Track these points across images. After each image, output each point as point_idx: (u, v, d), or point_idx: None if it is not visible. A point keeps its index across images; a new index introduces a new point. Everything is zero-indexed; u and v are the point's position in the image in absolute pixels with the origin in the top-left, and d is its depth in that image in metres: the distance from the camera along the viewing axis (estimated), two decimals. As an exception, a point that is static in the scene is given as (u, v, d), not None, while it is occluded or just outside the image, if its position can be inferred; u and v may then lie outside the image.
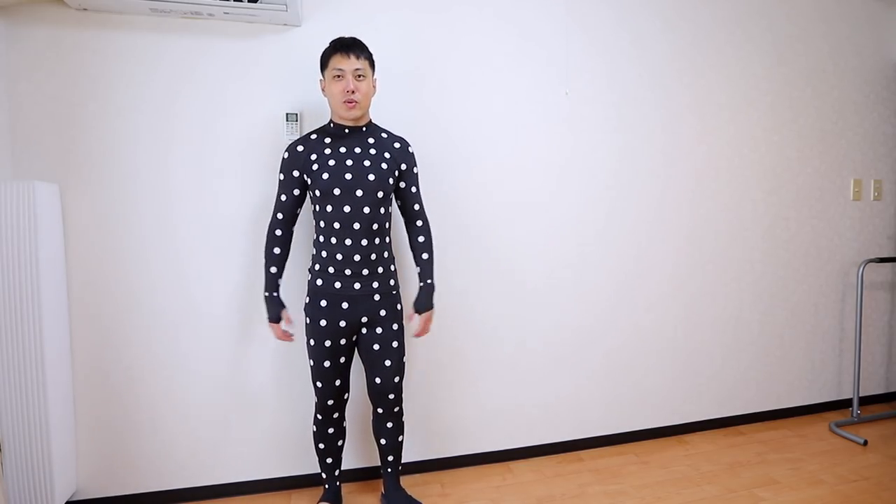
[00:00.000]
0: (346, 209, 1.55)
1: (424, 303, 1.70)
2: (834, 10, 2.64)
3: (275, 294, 1.65)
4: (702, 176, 2.45)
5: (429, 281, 1.70)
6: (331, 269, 1.59)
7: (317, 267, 1.62)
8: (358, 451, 2.06)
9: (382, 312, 1.64)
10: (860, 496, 1.92)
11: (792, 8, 2.55)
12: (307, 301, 1.64)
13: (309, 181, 1.59)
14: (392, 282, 1.67)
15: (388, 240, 1.66)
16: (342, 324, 1.60)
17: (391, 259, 1.68)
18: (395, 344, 1.66)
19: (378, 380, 1.66)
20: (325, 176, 1.55)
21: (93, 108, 1.77)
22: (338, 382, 1.65)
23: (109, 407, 1.85)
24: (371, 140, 1.63)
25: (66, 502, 1.78)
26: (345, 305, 1.60)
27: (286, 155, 1.62)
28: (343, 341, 1.62)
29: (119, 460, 1.86)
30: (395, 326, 1.67)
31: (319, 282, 1.60)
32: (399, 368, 1.68)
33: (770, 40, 2.52)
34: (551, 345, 2.26)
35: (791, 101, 2.58)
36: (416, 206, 1.72)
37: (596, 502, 1.91)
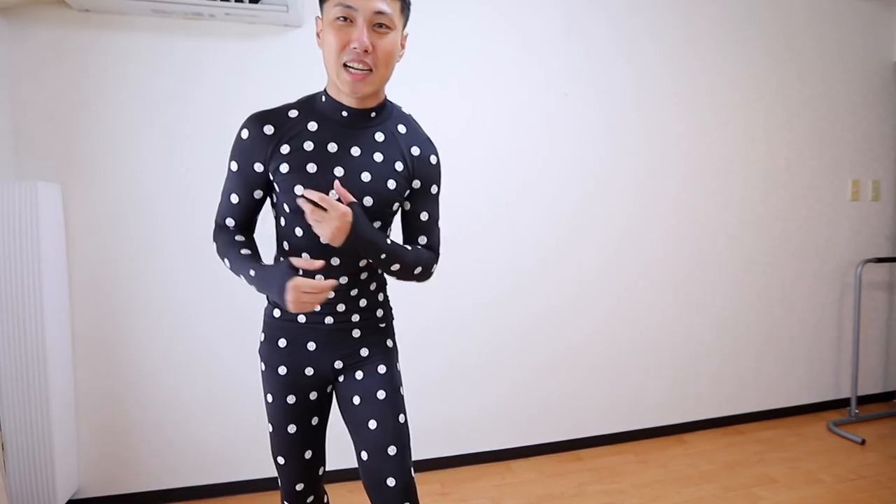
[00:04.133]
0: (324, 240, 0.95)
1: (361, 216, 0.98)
2: (832, 12, 2.65)
3: (262, 263, 1.01)
4: (700, 177, 2.46)
5: (389, 241, 1.02)
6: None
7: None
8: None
9: (364, 352, 1.10)
10: (858, 495, 1.93)
11: (788, 9, 2.56)
12: (262, 339, 1.11)
13: (275, 184, 1.01)
14: (380, 312, 1.13)
15: (379, 271, 1.11)
16: (308, 371, 1.07)
17: (380, 285, 1.15)
18: (381, 394, 1.07)
19: (364, 455, 1.06)
20: (299, 190, 0.97)
21: (95, 109, 1.78)
22: (308, 454, 1.10)
23: (111, 406, 1.85)
24: (380, 136, 1.03)
25: (67, 501, 1.79)
26: (311, 346, 1.07)
27: (244, 134, 0.99)
28: (314, 395, 1.09)
29: (120, 459, 1.87)
30: (381, 369, 1.09)
31: (277, 312, 1.08)
32: (395, 433, 1.06)
33: (767, 42, 2.53)
34: (551, 344, 2.27)
35: (789, 102, 2.60)
36: (424, 239, 1.12)
37: (595, 501, 1.91)
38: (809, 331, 2.71)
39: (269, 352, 1.09)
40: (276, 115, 1.01)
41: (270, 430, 1.10)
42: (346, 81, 0.96)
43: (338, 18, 0.93)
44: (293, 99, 1.05)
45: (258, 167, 1.00)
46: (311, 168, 0.98)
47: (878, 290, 2.84)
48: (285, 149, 0.99)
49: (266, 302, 1.13)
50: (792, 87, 2.59)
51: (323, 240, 0.93)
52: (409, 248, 1.07)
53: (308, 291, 0.91)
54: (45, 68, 1.73)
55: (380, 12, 0.92)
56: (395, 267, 1.02)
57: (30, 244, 1.62)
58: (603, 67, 2.28)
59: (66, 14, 1.74)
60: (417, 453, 2.13)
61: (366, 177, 1.01)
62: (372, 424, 1.05)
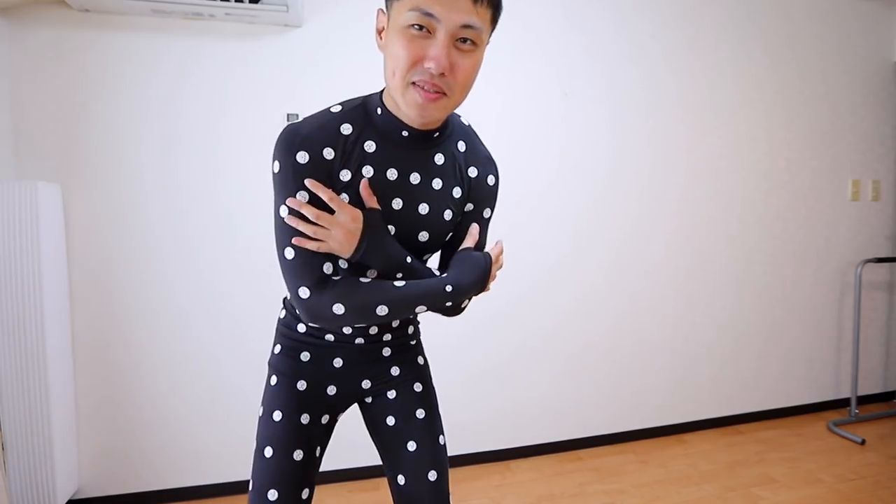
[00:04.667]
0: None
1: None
2: (832, 12, 2.65)
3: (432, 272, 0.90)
4: (700, 176, 2.46)
5: (410, 259, 0.89)
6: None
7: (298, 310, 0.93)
8: (357, 449, 2.06)
9: (395, 371, 1.02)
10: (858, 495, 1.93)
11: (789, 9, 2.56)
12: (277, 350, 0.99)
13: None
14: (410, 329, 1.06)
15: None
16: (331, 390, 0.97)
17: None
18: (420, 413, 0.99)
19: (402, 479, 0.97)
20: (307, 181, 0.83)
21: (94, 109, 1.78)
22: (305, 494, 0.94)
23: (111, 406, 1.85)
24: (440, 159, 0.89)
25: (67, 501, 1.79)
26: (337, 363, 0.97)
27: (302, 157, 0.78)
28: (325, 419, 0.98)
29: (120, 459, 1.87)
30: (417, 387, 1.02)
31: (302, 327, 0.97)
32: (435, 457, 0.98)
33: (768, 41, 2.53)
34: (551, 344, 2.27)
35: (789, 102, 2.60)
36: None
37: (595, 501, 1.92)
38: (809, 331, 2.71)
39: (287, 364, 0.96)
40: (329, 133, 0.81)
41: (269, 454, 0.91)
42: (413, 103, 0.76)
43: (412, 26, 0.72)
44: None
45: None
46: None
47: (878, 290, 2.84)
48: (345, 175, 0.81)
49: (284, 312, 1.01)
50: (792, 87, 2.59)
51: (326, 248, 0.80)
52: (437, 272, 0.90)
53: (497, 269, 0.93)
54: (45, 68, 1.73)
55: (467, 25, 0.72)
56: (423, 291, 0.86)
57: (30, 244, 1.62)
58: (603, 67, 2.28)
59: (66, 14, 1.74)
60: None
61: (423, 209, 0.87)
62: (411, 446, 0.97)
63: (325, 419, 0.98)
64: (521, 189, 2.19)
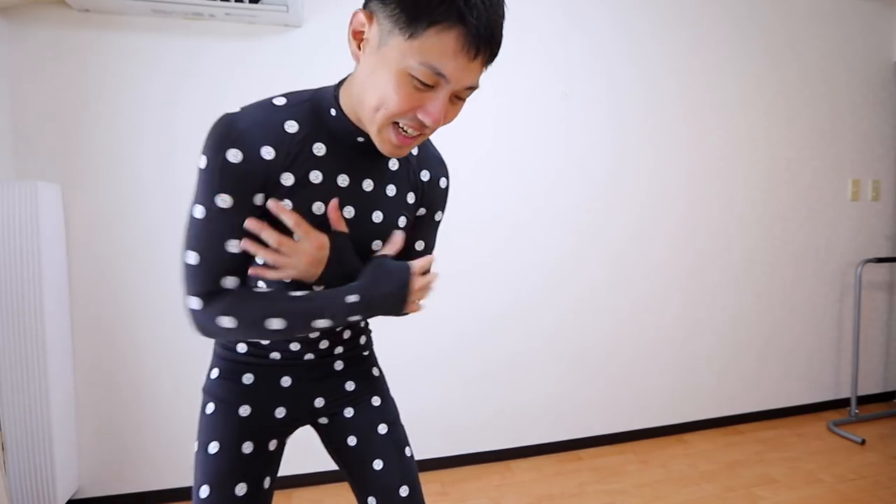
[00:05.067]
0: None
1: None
2: (831, 11, 2.65)
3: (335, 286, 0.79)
4: (700, 176, 2.46)
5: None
6: (264, 340, 0.88)
7: None
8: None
9: (349, 386, 0.95)
10: (858, 495, 1.93)
11: (789, 9, 2.56)
12: (214, 375, 0.90)
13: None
14: (362, 339, 0.99)
15: None
16: (279, 412, 0.89)
17: None
18: (381, 429, 0.93)
19: (373, 501, 0.90)
20: (271, 204, 0.76)
21: (94, 109, 1.78)
22: None
23: (111, 406, 1.85)
24: (394, 164, 0.84)
25: (68, 501, 1.79)
26: (285, 381, 0.89)
27: (234, 156, 0.70)
28: (272, 444, 0.89)
29: (121, 459, 1.87)
30: (375, 401, 0.96)
31: (242, 346, 0.88)
32: (404, 471, 0.92)
33: (768, 41, 2.53)
34: (552, 344, 2.27)
35: (789, 102, 2.60)
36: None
37: (595, 501, 1.92)
38: (810, 331, 2.71)
39: (226, 388, 0.87)
40: (271, 130, 0.72)
41: (204, 494, 0.82)
42: (388, 142, 0.71)
43: (415, 77, 0.65)
44: (275, 96, 0.77)
45: (259, 199, 0.73)
46: (318, 209, 0.76)
47: (879, 290, 2.84)
48: (288, 179, 0.73)
49: None
50: (792, 87, 2.59)
51: (285, 275, 0.74)
52: None
53: (423, 285, 0.80)
54: (45, 68, 1.73)
55: (471, 87, 0.69)
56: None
57: (30, 244, 1.62)
58: (603, 67, 2.28)
59: (66, 14, 1.73)
60: (418, 453, 2.13)
61: (377, 216, 0.82)
62: (377, 465, 0.90)
63: (272, 445, 0.89)
64: (520, 190, 2.19)
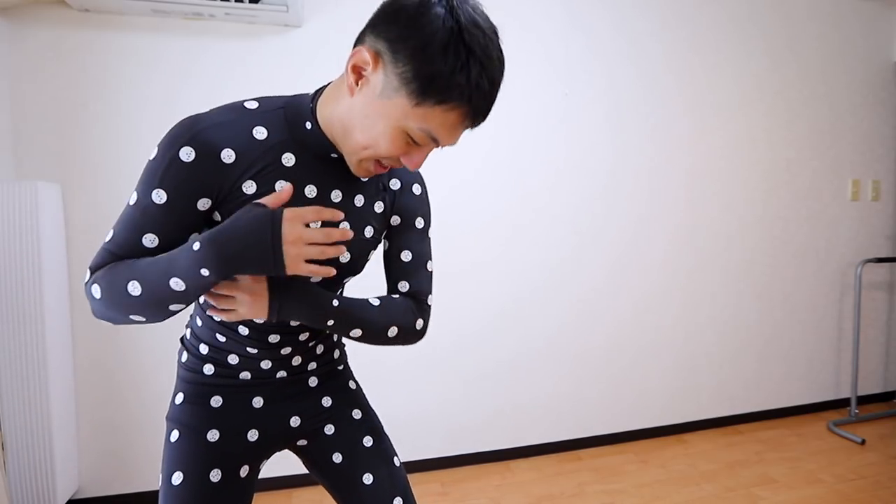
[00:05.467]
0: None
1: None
2: (831, 12, 2.65)
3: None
4: (700, 176, 2.46)
5: (333, 301, 0.77)
6: (232, 359, 0.84)
7: (202, 347, 0.85)
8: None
9: (326, 402, 0.92)
10: (858, 495, 1.93)
11: (789, 9, 2.56)
12: (178, 400, 0.84)
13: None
14: (336, 353, 0.96)
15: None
16: (252, 435, 0.85)
17: None
18: (367, 442, 0.91)
19: None
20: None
21: (94, 109, 1.78)
22: None
23: (111, 406, 1.85)
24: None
25: (68, 500, 1.79)
26: (257, 402, 0.86)
27: (186, 154, 0.67)
28: (244, 471, 0.83)
29: (121, 459, 1.87)
30: (356, 414, 0.93)
31: (209, 368, 0.84)
32: (395, 482, 0.89)
33: (768, 42, 2.53)
34: (551, 344, 2.27)
35: (789, 102, 2.60)
36: (405, 285, 0.87)
37: (595, 501, 1.92)
38: (810, 331, 2.71)
39: (191, 413, 0.82)
40: (237, 133, 0.69)
41: None
42: (365, 170, 0.74)
43: (411, 133, 0.67)
44: (247, 99, 0.75)
45: (203, 204, 0.69)
46: None
47: (879, 290, 2.84)
48: (250, 187, 0.70)
49: (186, 354, 0.86)
50: (792, 87, 2.59)
51: (235, 317, 0.72)
52: (375, 302, 0.81)
53: (315, 242, 0.65)
54: (45, 68, 1.73)
55: (453, 144, 0.72)
56: (356, 333, 0.78)
57: (30, 244, 1.62)
58: (603, 67, 2.28)
59: (66, 14, 1.74)
60: (418, 453, 2.13)
61: (344, 227, 0.77)
62: (367, 479, 0.88)
63: (244, 471, 0.82)
64: (520, 190, 2.19)
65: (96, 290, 0.67)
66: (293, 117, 0.73)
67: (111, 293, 0.66)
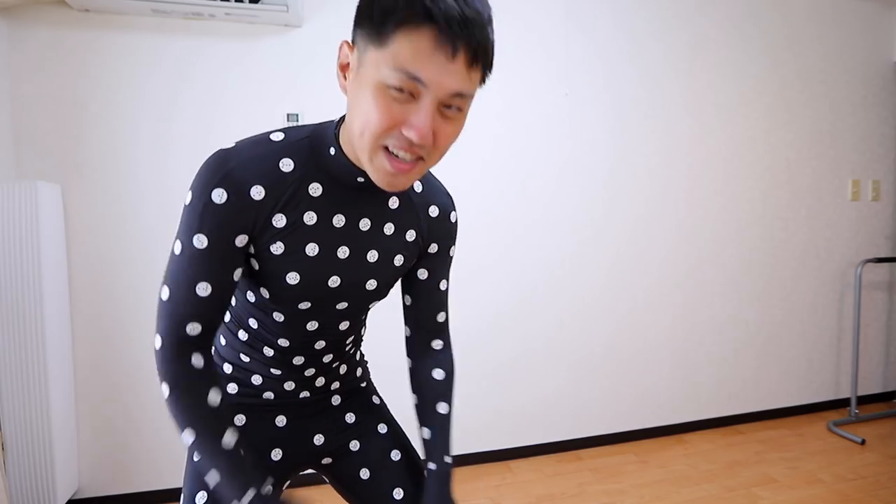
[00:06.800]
0: (311, 326, 0.79)
1: (439, 499, 0.83)
2: (831, 12, 2.65)
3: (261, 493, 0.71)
4: (699, 176, 2.46)
5: (446, 459, 0.85)
6: (256, 379, 0.84)
7: (226, 367, 0.85)
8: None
9: (350, 418, 0.90)
10: (858, 495, 1.93)
11: (789, 9, 2.56)
12: None
13: (256, 264, 0.73)
14: (359, 371, 0.96)
15: (362, 333, 0.93)
16: (275, 454, 0.84)
17: (359, 342, 0.94)
18: (395, 455, 0.90)
19: None
20: (293, 277, 0.72)
21: (94, 109, 1.78)
22: None
23: (111, 406, 1.85)
24: (394, 202, 0.79)
25: (67, 501, 1.79)
26: (280, 421, 0.85)
27: (219, 196, 0.66)
28: (268, 491, 0.76)
29: (121, 459, 1.87)
30: (381, 429, 0.92)
31: (233, 387, 0.84)
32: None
33: (767, 42, 2.53)
34: (551, 344, 2.27)
35: (788, 102, 2.60)
36: (442, 315, 0.91)
37: (595, 501, 1.92)
38: (809, 331, 2.71)
39: None
40: (264, 169, 0.68)
41: None
42: (383, 170, 0.64)
43: (391, 87, 0.59)
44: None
45: (241, 241, 0.69)
46: (312, 250, 0.72)
47: (879, 291, 2.84)
48: (279, 220, 0.70)
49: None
50: (792, 88, 2.59)
51: None
52: (442, 409, 0.87)
53: None
54: (45, 68, 1.73)
55: (458, 94, 0.61)
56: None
57: (30, 244, 1.62)
58: (604, 67, 2.28)
59: (66, 14, 1.74)
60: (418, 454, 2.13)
61: (372, 256, 0.77)
62: (397, 494, 0.86)
63: (267, 491, 0.78)
64: (521, 191, 2.19)
65: (165, 389, 0.68)
66: (318, 146, 0.71)
67: (175, 408, 0.68)
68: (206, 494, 0.77)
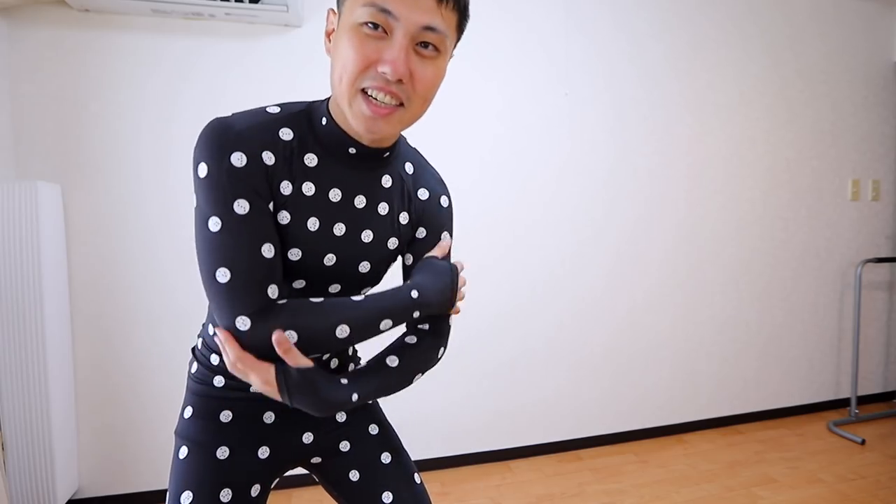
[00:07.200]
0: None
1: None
2: (831, 12, 2.65)
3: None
4: (700, 176, 2.46)
5: (354, 398, 0.73)
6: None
7: (213, 358, 0.81)
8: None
9: (340, 416, 0.88)
10: (858, 495, 1.93)
11: (789, 9, 2.56)
12: (187, 414, 0.81)
13: None
14: (351, 367, 0.91)
15: None
16: (262, 452, 0.81)
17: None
18: (385, 458, 0.88)
19: None
20: (295, 253, 0.71)
21: (94, 109, 1.78)
22: None
23: (111, 406, 1.85)
24: (387, 181, 0.78)
25: (67, 501, 1.79)
26: (268, 417, 0.82)
27: (238, 160, 0.65)
28: (255, 490, 0.79)
29: (120, 459, 1.87)
30: (373, 429, 0.90)
31: (219, 380, 0.80)
32: (416, 500, 0.88)
33: (767, 41, 2.53)
34: (550, 344, 2.27)
35: (789, 102, 2.59)
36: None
37: (595, 501, 1.92)
38: (810, 331, 2.71)
39: (202, 428, 0.78)
40: (267, 136, 0.67)
41: None
42: (361, 115, 0.65)
43: (364, 24, 0.61)
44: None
45: (268, 205, 0.68)
46: (313, 224, 0.70)
47: (879, 290, 2.84)
48: (286, 187, 0.68)
49: (196, 364, 0.82)
50: (792, 87, 2.59)
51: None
52: (394, 362, 0.75)
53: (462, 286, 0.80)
54: (45, 68, 1.73)
55: (430, 27, 0.62)
56: (382, 395, 0.75)
57: (30, 244, 1.62)
58: (604, 67, 2.28)
59: (66, 14, 1.73)
60: (418, 453, 2.12)
61: (367, 236, 0.76)
62: (387, 497, 0.84)
63: (255, 490, 0.78)
64: (521, 191, 2.19)
65: (290, 337, 0.64)
66: (311, 118, 0.72)
67: (313, 338, 0.65)
68: (191, 494, 0.75)
